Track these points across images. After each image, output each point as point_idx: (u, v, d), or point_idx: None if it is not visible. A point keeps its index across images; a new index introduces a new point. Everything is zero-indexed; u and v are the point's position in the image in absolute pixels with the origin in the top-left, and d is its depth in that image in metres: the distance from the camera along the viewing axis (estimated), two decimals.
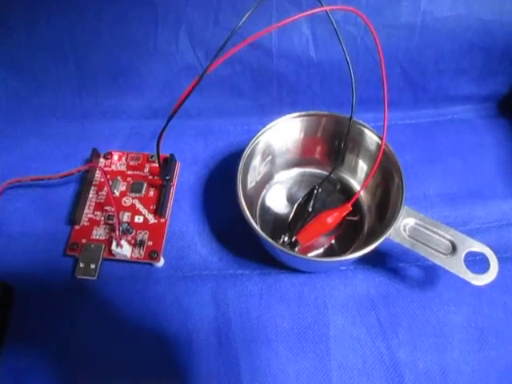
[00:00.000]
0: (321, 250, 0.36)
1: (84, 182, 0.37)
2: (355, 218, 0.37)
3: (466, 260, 0.29)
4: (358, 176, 0.38)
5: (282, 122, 0.36)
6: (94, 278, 0.34)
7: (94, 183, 0.39)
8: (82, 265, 0.34)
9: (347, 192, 0.38)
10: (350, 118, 0.35)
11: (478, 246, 0.30)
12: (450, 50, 0.41)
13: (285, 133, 0.36)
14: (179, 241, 0.37)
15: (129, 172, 0.39)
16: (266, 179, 0.38)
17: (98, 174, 0.39)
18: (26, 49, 0.41)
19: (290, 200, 0.38)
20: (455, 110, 0.45)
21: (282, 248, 0.30)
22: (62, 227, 0.37)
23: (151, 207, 0.37)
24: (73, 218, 0.36)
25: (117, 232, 0.34)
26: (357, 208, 0.36)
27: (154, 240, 0.35)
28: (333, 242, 0.36)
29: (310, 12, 0.31)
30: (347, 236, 0.36)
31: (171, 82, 0.43)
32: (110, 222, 0.36)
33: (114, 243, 0.34)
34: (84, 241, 0.35)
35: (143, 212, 0.37)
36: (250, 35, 0.41)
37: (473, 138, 0.42)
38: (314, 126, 0.36)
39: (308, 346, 0.32)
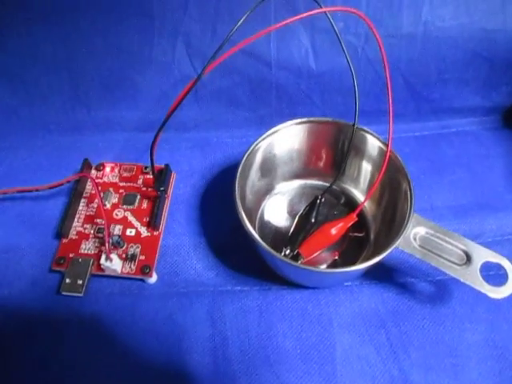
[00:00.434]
0: (324, 266, 0.34)
1: (74, 193, 0.35)
2: (360, 235, 0.35)
3: (481, 271, 0.27)
4: (362, 186, 0.36)
5: (282, 128, 0.34)
6: (81, 295, 0.31)
7: (84, 195, 0.37)
8: (68, 280, 0.32)
9: (350, 204, 0.36)
10: (354, 125, 0.33)
11: (494, 257, 0.28)
12: (452, 60, 0.40)
13: (285, 140, 0.35)
14: (173, 255, 0.35)
15: (121, 184, 0.37)
16: (266, 191, 0.37)
17: (88, 186, 0.37)
18: (17, 58, 0.40)
19: (291, 213, 0.36)
20: (460, 122, 0.43)
21: (283, 259, 0.28)
22: (49, 241, 0.35)
23: (144, 220, 0.35)
24: (60, 230, 0.33)
25: (106, 245, 0.32)
26: (362, 222, 0.34)
27: (146, 254, 0.33)
28: (336, 257, 0.34)
29: (308, 13, 0.30)
30: (351, 251, 0.34)
31: (167, 92, 0.41)
32: (100, 235, 0.34)
33: (104, 256, 0.32)
34: (72, 255, 0.33)
35: (135, 225, 0.35)
36: (248, 47, 0.40)
37: (479, 149, 0.41)
38: (316, 133, 0.35)
39: (313, 367, 0.29)
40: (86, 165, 0.37)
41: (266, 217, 0.36)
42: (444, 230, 0.29)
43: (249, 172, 0.33)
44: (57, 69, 0.41)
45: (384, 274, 0.33)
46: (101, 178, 0.37)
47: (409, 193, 0.30)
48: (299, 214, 0.35)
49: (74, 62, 0.41)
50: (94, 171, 0.38)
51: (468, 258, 0.28)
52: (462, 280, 0.27)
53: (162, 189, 0.35)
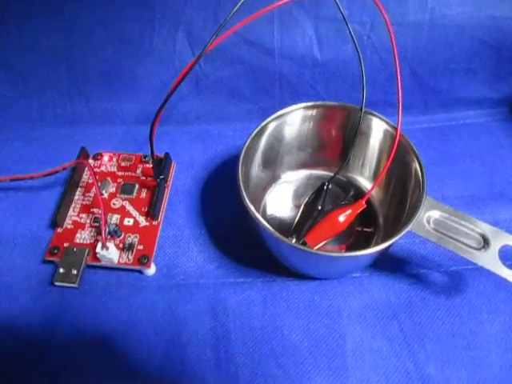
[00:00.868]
0: None
1: (70, 182, 0.34)
2: (369, 230, 0.33)
3: (500, 256, 0.26)
4: (368, 173, 0.35)
5: (288, 112, 0.33)
6: (75, 286, 0.30)
7: (81, 184, 0.35)
8: (61, 270, 0.30)
9: (357, 194, 0.35)
10: (361, 109, 0.32)
11: None
12: (460, 48, 0.39)
13: (290, 124, 0.33)
14: (173, 247, 0.33)
15: (119, 173, 0.36)
16: (270, 179, 0.35)
17: (85, 175, 0.36)
18: (15, 48, 0.39)
19: (296, 203, 0.34)
20: (467, 114, 0.42)
21: (290, 243, 0.26)
22: (43, 232, 0.33)
23: (143, 209, 0.33)
24: (55, 219, 0.32)
25: (103, 233, 0.30)
26: (370, 210, 0.33)
27: (144, 244, 0.32)
28: (343, 251, 0.32)
29: None
30: (359, 244, 0.32)
31: (168, 84, 0.40)
32: (97, 224, 0.32)
33: (100, 245, 0.30)
34: (66, 244, 0.31)
35: (134, 214, 0.33)
36: (251, 36, 0.40)
37: (489, 139, 0.40)
38: (322, 118, 0.34)
39: (322, 360, 0.27)
40: (84, 154, 0.36)
41: (270, 207, 0.35)
42: (459, 213, 0.27)
43: (253, 158, 0.32)
44: (55, 60, 0.40)
45: (394, 266, 0.32)
46: (98, 168, 0.36)
47: (420, 175, 0.29)
48: (304, 201, 0.34)
49: (73, 53, 0.40)
50: (91, 161, 0.37)
51: (486, 242, 0.26)
52: (479, 264, 0.26)
53: (161, 177, 0.34)
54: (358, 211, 0.31)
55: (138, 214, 0.33)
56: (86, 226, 0.33)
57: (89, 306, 0.30)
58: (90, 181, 0.35)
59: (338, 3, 0.31)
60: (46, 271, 0.31)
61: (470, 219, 0.27)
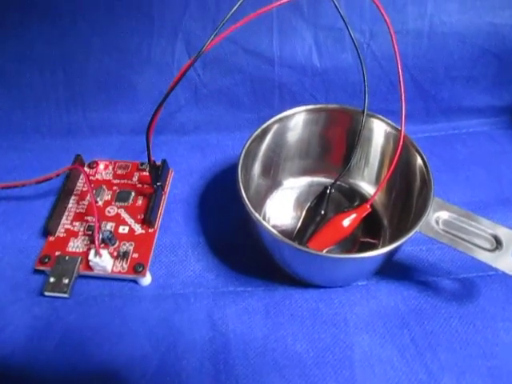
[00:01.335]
0: None
1: (63, 189, 0.33)
2: (373, 241, 0.32)
3: None
4: (370, 178, 0.34)
5: (287, 115, 0.32)
6: (67, 296, 0.28)
7: (74, 193, 0.34)
8: (52, 279, 0.29)
9: (361, 199, 0.34)
10: (363, 112, 0.31)
11: None
12: (460, 56, 0.39)
13: (291, 128, 0.32)
14: (170, 255, 0.32)
15: (115, 181, 0.35)
16: (271, 186, 0.34)
17: (79, 183, 0.35)
18: (12, 58, 0.39)
19: (297, 210, 0.33)
20: (470, 123, 0.42)
21: (294, 244, 0.24)
22: (34, 241, 0.32)
23: (138, 217, 0.32)
24: (47, 227, 0.30)
25: (96, 240, 0.29)
26: (374, 225, 0.32)
27: (139, 252, 0.30)
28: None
29: None
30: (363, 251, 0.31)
31: None
32: (90, 232, 0.31)
33: (93, 252, 0.29)
34: (58, 253, 0.30)
35: (129, 222, 0.32)
36: (250, 45, 0.40)
37: (493, 146, 0.39)
38: (323, 121, 0.33)
39: (328, 372, 0.25)
40: (79, 161, 0.35)
41: (271, 214, 0.33)
42: (469, 213, 0.26)
43: (253, 162, 0.31)
44: (52, 69, 0.39)
45: (401, 273, 0.30)
46: (93, 176, 0.35)
47: (426, 174, 0.28)
48: (307, 206, 0.32)
49: (70, 63, 0.39)
50: (86, 169, 0.35)
51: (498, 243, 0.25)
52: (493, 266, 0.24)
53: (158, 183, 0.33)
54: (363, 215, 0.29)
55: (133, 221, 0.32)
56: (79, 234, 0.31)
57: (80, 317, 0.28)
58: (85, 189, 0.34)
59: (338, 7, 0.31)
60: (36, 281, 0.30)
61: (479, 219, 0.26)
